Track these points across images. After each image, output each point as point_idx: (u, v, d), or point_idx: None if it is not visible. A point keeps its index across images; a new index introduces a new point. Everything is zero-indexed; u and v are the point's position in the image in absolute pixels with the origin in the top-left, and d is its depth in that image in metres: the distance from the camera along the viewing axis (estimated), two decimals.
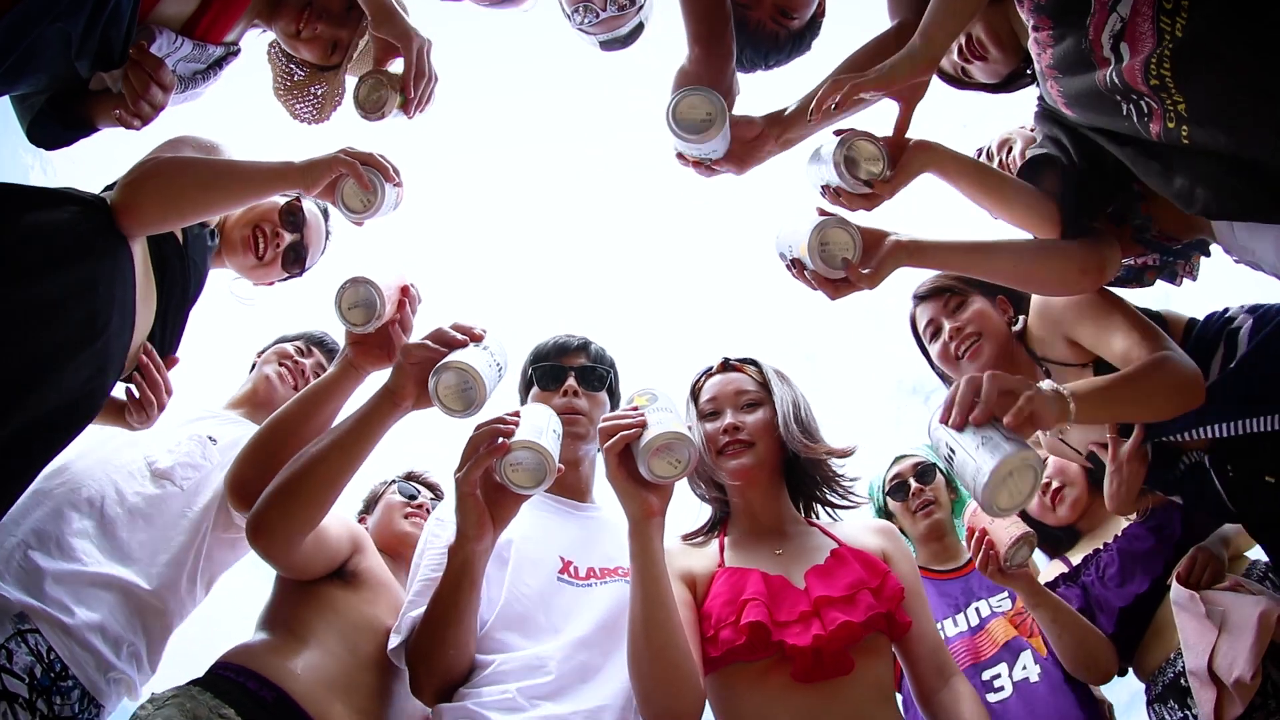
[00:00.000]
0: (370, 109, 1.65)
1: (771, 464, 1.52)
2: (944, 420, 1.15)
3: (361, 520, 1.97)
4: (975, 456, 1.07)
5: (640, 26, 1.72)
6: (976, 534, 1.73)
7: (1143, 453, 1.54)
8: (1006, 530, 1.68)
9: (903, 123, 1.38)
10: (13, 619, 1.37)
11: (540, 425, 1.33)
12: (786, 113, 1.56)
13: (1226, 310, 1.55)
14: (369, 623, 1.54)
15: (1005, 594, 1.96)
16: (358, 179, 1.43)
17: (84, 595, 1.48)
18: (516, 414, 1.34)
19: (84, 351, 1.29)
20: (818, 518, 1.59)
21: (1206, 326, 1.54)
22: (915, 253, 1.40)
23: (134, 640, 1.54)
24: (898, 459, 2.26)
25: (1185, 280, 1.61)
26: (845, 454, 1.53)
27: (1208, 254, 1.58)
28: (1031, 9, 1.26)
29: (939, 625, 1.78)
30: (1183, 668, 1.60)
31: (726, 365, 1.63)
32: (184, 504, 1.69)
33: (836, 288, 1.42)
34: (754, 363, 1.63)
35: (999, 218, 1.53)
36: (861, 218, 1.44)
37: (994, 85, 1.68)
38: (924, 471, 2.18)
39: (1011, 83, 1.65)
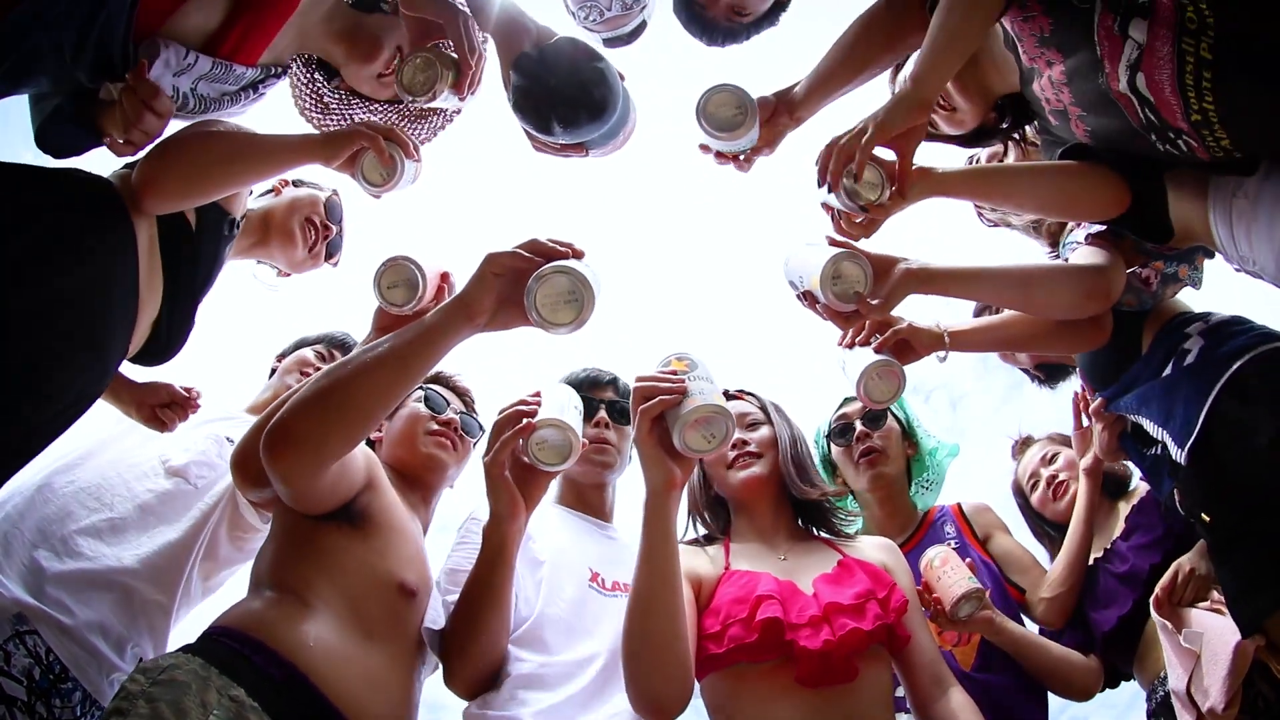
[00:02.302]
0: (420, 91, 1.53)
1: (777, 477, 1.54)
2: (839, 344, 1.59)
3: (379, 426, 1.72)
4: (857, 362, 1.49)
5: (643, 24, 1.73)
6: (925, 587, 1.72)
7: (1107, 419, 1.68)
8: (950, 589, 1.67)
9: (905, 164, 1.35)
10: (10, 620, 1.35)
11: (562, 403, 1.35)
12: (796, 91, 1.57)
13: (1191, 323, 1.56)
14: (379, 579, 1.36)
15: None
16: (378, 153, 1.45)
17: (86, 595, 1.46)
18: (538, 394, 1.37)
19: (82, 355, 1.29)
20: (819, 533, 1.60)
21: (1168, 337, 1.57)
22: (925, 280, 1.43)
23: (138, 640, 1.53)
24: (847, 400, 2.09)
25: (1188, 288, 1.61)
26: (839, 494, 1.59)
27: (1210, 255, 1.58)
28: (1036, 44, 1.24)
29: None
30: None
31: (726, 394, 1.65)
32: (195, 500, 1.69)
33: (848, 319, 1.46)
34: (752, 393, 1.68)
35: (1032, 211, 1.56)
36: (871, 244, 1.46)
37: (963, 138, 1.65)
38: (874, 416, 1.99)
39: (982, 137, 1.63)
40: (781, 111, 1.57)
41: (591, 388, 1.75)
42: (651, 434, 1.20)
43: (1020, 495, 2.14)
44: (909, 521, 2.01)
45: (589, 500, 1.74)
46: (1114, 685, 1.91)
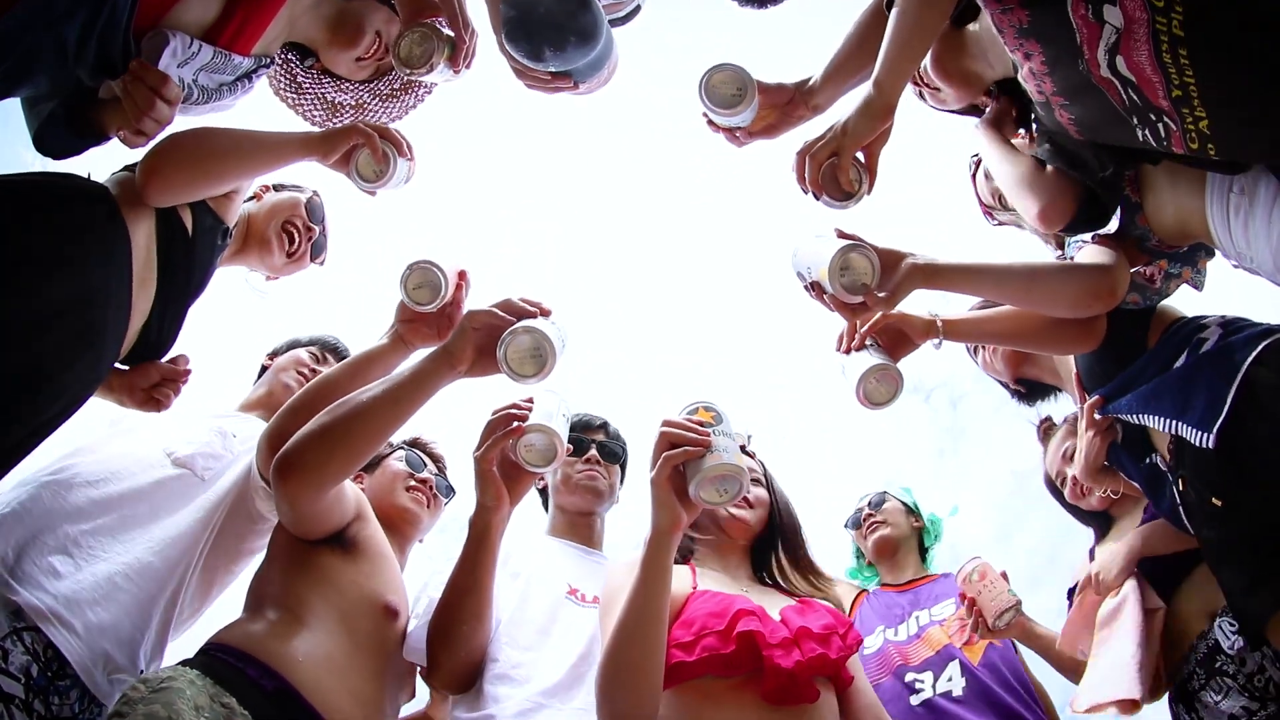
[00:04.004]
0: (418, 63, 1.60)
1: (757, 531, 1.60)
2: (837, 348, 1.63)
3: (359, 479, 1.88)
4: (856, 366, 1.52)
5: (638, 8, 1.77)
6: (968, 601, 1.88)
7: (1099, 424, 1.65)
8: (993, 603, 1.83)
9: (872, 164, 1.42)
10: (8, 617, 1.34)
11: (551, 410, 1.43)
12: (813, 82, 1.61)
13: (1204, 318, 1.55)
14: (366, 598, 1.51)
15: (950, 602, 2.05)
16: (373, 150, 1.51)
17: (100, 596, 1.45)
18: (530, 400, 1.45)
19: (79, 360, 1.30)
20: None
21: (1180, 330, 1.56)
22: (931, 275, 1.44)
23: (141, 638, 1.52)
24: (861, 499, 2.53)
25: (1188, 288, 1.61)
26: (822, 576, 1.63)
27: (1212, 255, 1.58)
28: (1016, 36, 1.24)
29: (881, 632, 2.07)
30: (1188, 674, 1.61)
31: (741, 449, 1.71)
32: (201, 491, 1.68)
33: (854, 311, 1.47)
34: (758, 458, 1.73)
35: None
36: (879, 238, 1.47)
37: (960, 112, 1.68)
38: (875, 501, 2.46)
39: (977, 115, 1.66)
40: (799, 102, 1.61)
41: (584, 429, 1.91)
42: (669, 479, 1.24)
43: (1054, 490, 2.16)
44: (913, 570, 2.32)
45: (578, 528, 1.86)
46: None
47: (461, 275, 1.62)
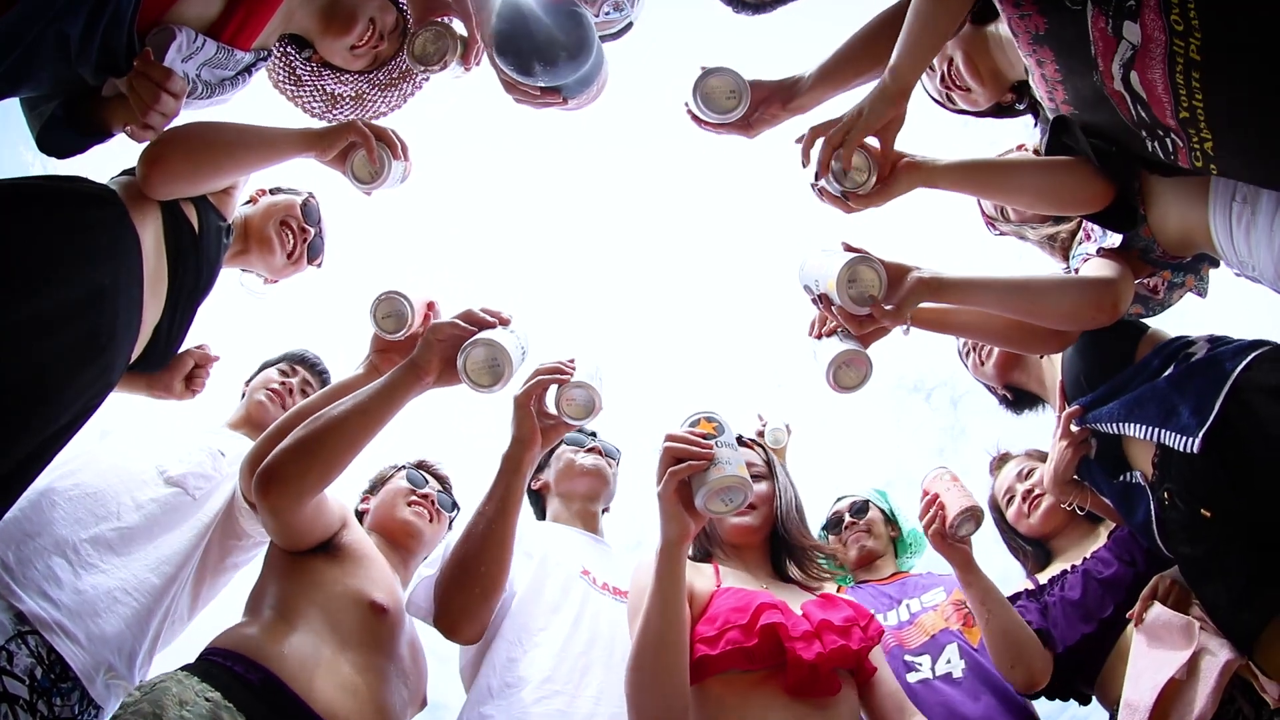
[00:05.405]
0: (432, 61, 1.67)
1: (767, 528, 1.60)
2: (809, 334, 1.64)
3: (365, 500, 1.97)
4: (826, 350, 1.53)
5: (630, 25, 1.78)
6: (929, 497, 1.80)
7: (1074, 435, 1.62)
8: (958, 500, 1.75)
9: (887, 150, 1.42)
10: (12, 620, 1.36)
11: (592, 371, 1.53)
12: (799, 82, 1.60)
13: (1192, 337, 1.54)
14: (351, 596, 1.56)
15: (940, 590, 2.05)
16: (369, 151, 1.53)
17: (102, 609, 1.48)
18: (573, 360, 1.53)
19: (89, 366, 1.30)
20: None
21: (1168, 346, 1.55)
22: (938, 289, 1.45)
23: (139, 648, 1.56)
24: (838, 499, 2.49)
25: (1193, 295, 1.61)
26: (829, 552, 1.65)
27: (1216, 264, 1.58)
28: (1030, 42, 1.24)
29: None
30: None
31: (740, 439, 1.70)
32: (194, 510, 1.72)
33: (861, 323, 1.47)
34: (760, 444, 1.73)
35: (1020, 205, 1.58)
36: (885, 252, 1.48)
37: (982, 112, 1.68)
38: (858, 508, 2.41)
39: (1001, 114, 1.66)
40: (776, 100, 1.59)
41: (581, 429, 1.95)
42: (676, 492, 1.26)
43: (996, 511, 2.13)
44: (893, 570, 2.31)
45: (584, 518, 1.92)
46: (1064, 697, 1.85)
47: (430, 306, 1.69)
